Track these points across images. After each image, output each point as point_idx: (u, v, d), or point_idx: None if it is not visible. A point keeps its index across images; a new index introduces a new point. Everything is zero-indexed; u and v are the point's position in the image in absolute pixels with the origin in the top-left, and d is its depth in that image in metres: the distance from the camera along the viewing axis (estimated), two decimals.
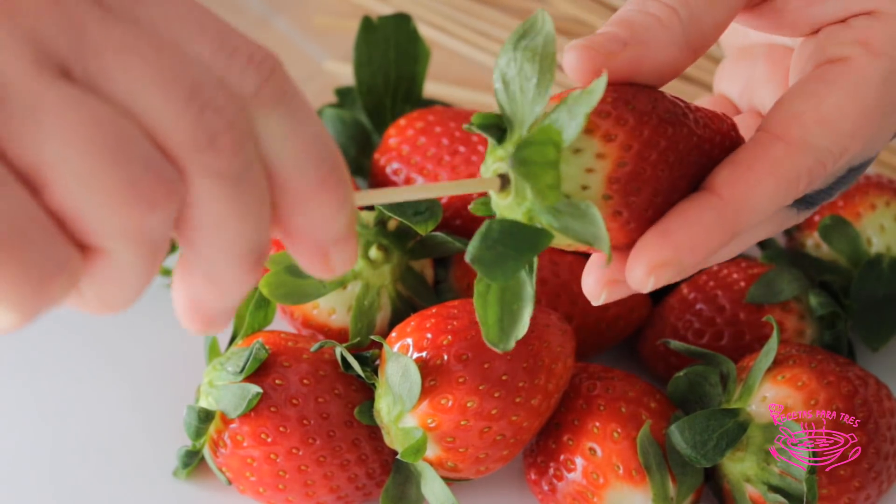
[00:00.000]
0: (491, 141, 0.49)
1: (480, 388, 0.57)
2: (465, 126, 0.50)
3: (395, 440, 0.58)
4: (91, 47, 0.38)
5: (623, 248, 0.50)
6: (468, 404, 0.56)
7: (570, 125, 0.47)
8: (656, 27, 0.50)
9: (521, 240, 0.47)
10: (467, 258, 0.47)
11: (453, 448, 0.57)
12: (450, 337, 0.57)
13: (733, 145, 0.52)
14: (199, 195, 0.39)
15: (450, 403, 0.56)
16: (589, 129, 0.48)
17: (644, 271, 0.49)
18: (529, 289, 0.48)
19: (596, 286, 0.51)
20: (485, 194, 0.50)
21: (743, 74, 0.59)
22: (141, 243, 0.39)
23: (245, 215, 0.40)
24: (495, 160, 0.49)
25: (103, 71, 0.38)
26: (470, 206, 0.50)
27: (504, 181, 0.48)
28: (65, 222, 0.38)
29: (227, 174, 0.39)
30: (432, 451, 0.57)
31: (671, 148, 0.50)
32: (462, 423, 0.57)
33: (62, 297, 0.38)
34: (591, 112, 0.46)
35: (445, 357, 0.57)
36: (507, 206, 0.48)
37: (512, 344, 0.49)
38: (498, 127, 0.49)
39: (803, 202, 0.54)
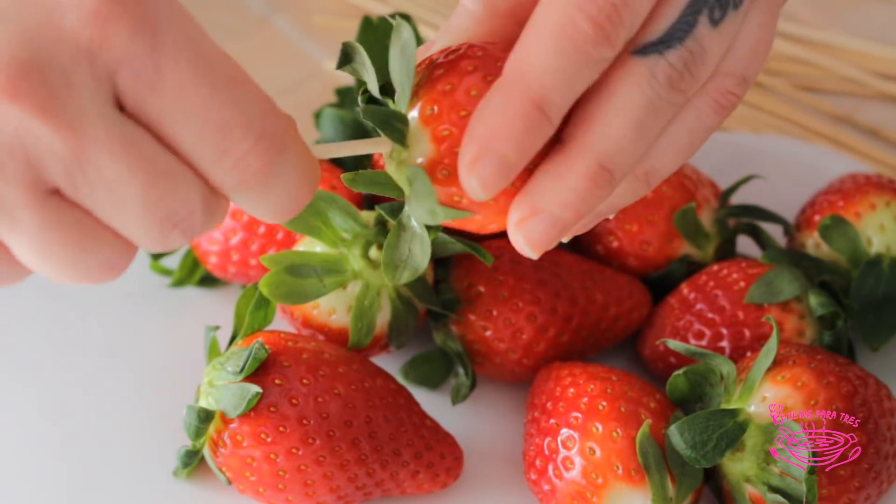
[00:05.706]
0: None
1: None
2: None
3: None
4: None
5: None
6: (472, 93, 0.50)
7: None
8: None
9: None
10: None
11: (450, 152, 0.50)
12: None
13: None
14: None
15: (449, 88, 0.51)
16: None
17: (466, 174, 0.47)
18: None
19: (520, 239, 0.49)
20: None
21: None
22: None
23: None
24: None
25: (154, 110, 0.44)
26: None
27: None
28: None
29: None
30: (427, 150, 0.51)
31: None
32: (463, 114, 0.50)
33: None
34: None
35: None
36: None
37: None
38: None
39: (652, 47, 0.48)
